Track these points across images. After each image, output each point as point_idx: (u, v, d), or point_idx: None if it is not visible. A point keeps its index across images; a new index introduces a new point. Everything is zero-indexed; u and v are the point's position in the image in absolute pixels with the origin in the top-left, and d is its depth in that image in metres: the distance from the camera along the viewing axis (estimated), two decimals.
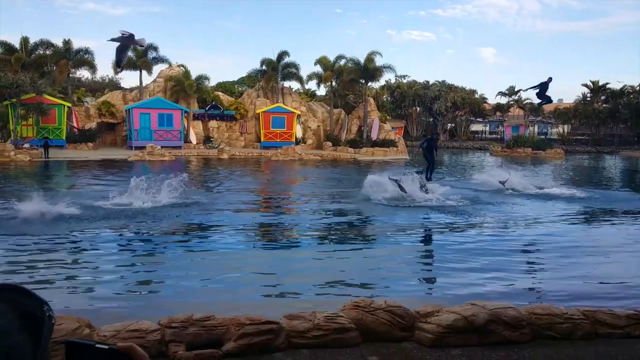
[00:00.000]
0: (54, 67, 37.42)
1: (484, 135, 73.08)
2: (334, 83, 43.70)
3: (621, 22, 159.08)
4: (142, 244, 9.43)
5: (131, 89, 42.04)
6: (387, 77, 67.42)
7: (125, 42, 12.09)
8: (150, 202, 12.86)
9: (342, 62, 42.47)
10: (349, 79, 42.02)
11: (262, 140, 40.19)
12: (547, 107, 58.03)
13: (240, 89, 54.76)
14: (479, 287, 6.94)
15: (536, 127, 63.91)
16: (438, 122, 61.84)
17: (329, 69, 42.52)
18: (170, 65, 41.23)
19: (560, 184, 19.49)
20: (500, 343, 4.40)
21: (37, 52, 37.55)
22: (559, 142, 59.27)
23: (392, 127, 47.09)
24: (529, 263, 8.89)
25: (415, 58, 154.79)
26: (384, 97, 65.61)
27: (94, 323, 4.25)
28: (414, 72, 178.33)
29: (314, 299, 6.34)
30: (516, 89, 65.10)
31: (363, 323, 4.44)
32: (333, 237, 10.66)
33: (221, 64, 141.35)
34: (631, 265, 8.71)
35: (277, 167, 28.85)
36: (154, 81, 41.25)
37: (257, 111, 40.83)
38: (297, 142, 39.66)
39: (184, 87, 38.39)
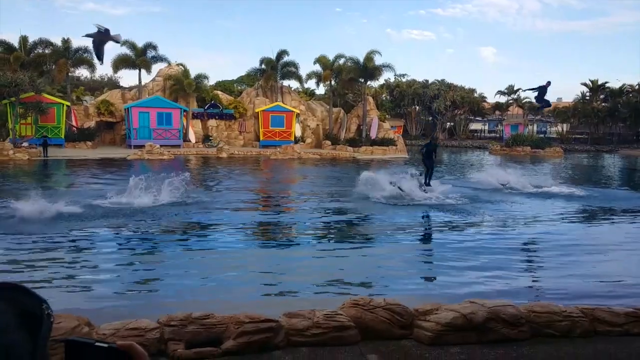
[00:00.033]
0: (53, 66, 37.39)
1: (483, 134, 73.17)
2: (333, 82, 43.68)
3: (621, 22, 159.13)
4: (141, 242, 9.42)
5: (130, 88, 41.99)
6: (387, 76, 67.50)
7: (100, 37, 12.05)
8: (149, 201, 12.86)
9: (342, 61, 42.52)
10: (348, 78, 42.03)
11: (261, 139, 40.16)
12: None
13: (239, 87, 54.71)
14: (478, 285, 6.95)
15: (535, 125, 63.95)
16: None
17: (328, 68, 42.51)
18: (169, 64, 41.19)
19: (560, 183, 19.51)
20: (499, 341, 4.41)
21: (36, 51, 37.51)
22: (558, 141, 59.33)
23: (391, 126, 47.10)
24: (528, 261, 8.90)
25: (414, 57, 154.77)
26: (383, 96, 65.60)
27: (93, 321, 4.25)
28: (413, 71, 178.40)
29: (313, 298, 6.34)
30: (515, 88, 65.13)
31: (362, 321, 4.45)
32: (332, 235, 10.67)
33: (220, 62, 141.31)
34: (630, 264, 8.73)
35: (276, 166, 28.84)
36: (153, 80, 41.21)
37: (256, 110, 40.80)
38: (296, 141, 39.64)
39: (183, 86, 38.36)
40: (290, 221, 12.38)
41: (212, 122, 40.73)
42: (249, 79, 51.86)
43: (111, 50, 47.95)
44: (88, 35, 11.89)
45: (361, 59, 41.00)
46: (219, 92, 43.30)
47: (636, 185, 23.56)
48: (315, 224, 11.60)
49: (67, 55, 36.90)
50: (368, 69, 40.74)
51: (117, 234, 9.96)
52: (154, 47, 39.31)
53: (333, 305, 4.80)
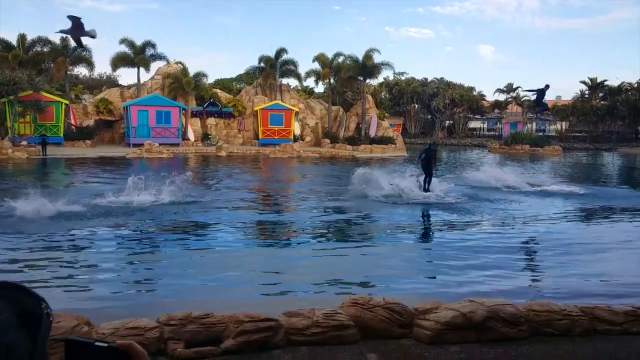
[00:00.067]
0: (52, 65, 37.36)
1: (482, 132, 73.24)
2: (332, 80, 43.67)
3: (620, 19, 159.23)
4: (141, 241, 9.42)
5: (129, 86, 41.93)
6: (386, 74, 67.45)
7: (74, 33, 11.85)
8: (149, 200, 12.86)
9: (341, 59, 42.51)
10: (347, 76, 42.04)
11: (260, 137, 40.14)
12: None
13: (238, 86, 54.70)
14: (478, 284, 6.95)
15: (534, 124, 64.01)
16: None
17: (327, 66, 42.49)
18: (168, 62, 41.16)
19: (559, 181, 19.52)
20: (499, 340, 4.41)
21: (34, 49, 37.45)
22: (557, 139, 59.40)
23: (391, 124, 47.15)
24: (527, 260, 8.91)
25: (413, 55, 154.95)
26: (382, 94, 65.67)
27: (92, 321, 4.25)
28: (412, 69, 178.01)
29: (313, 297, 6.35)
30: (514, 86, 65.20)
31: (362, 320, 4.45)
32: (331, 234, 10.67)
33: (219, 61, 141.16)
34: (629, 262, 8.74)
35: (275, 164, 28.83)
36: (152, 78, 41.17)
37: (255, 108, 40.77)
38: (295, 140, 39.63)
39: (181, 85, 38.33)
40: (290, 220, 12.38)
41: (211, 121, 40.71)
42: (248, 77, 51.86)
43: (111, 49, 47.91)
44: (62, 32, 11.61)
45: (360, 57, 41.02)
46: (218, 91, 43.26)
47: (635, 184, 23.57)
48: (315, 223, 11.59)
49: (66, 53, 36.85)
50: (367, 67, 40.74)
51: (117, 233, 9.95)
52: (153, 46, 39.30)
53: (332, 305, 4.80)
